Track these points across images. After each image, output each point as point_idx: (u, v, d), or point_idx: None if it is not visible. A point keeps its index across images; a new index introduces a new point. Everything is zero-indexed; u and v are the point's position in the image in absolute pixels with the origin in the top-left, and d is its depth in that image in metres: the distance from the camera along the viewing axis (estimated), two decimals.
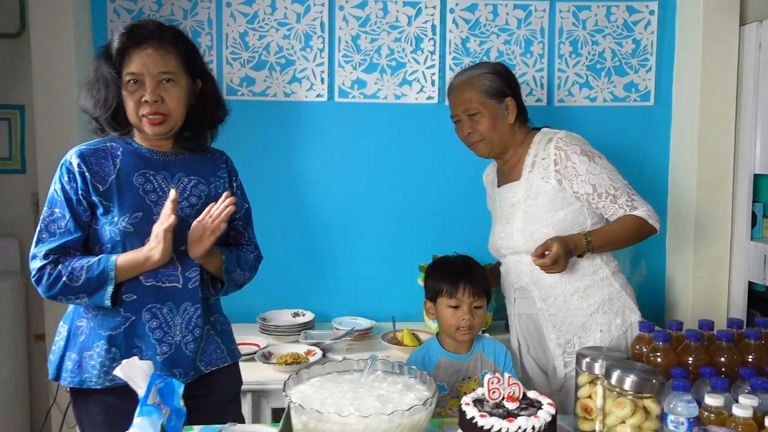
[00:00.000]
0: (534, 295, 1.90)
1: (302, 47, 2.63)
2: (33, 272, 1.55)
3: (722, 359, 1.40)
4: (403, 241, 2.69)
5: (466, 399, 1.37)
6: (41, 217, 1.59)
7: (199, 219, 1.57)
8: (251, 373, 2.16)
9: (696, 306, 2.61)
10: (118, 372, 1.28)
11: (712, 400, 1.23)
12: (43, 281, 1.53)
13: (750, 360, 1.41)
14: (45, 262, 1.53)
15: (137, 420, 1.24)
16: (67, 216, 1.55)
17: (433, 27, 2.65)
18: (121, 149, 1.62)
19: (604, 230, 1.84)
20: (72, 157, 1.58)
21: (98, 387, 1.55)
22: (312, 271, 2.69)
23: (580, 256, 1.81)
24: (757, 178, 2.60)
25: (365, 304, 2.69)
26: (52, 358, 1.64)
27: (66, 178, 1.56)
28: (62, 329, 1.64)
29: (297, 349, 2.30)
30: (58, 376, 1.60)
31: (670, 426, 1.26)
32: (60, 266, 1.53)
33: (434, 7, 2.63)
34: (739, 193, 2.59)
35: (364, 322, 2.55)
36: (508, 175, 1.98)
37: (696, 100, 2.59)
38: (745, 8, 2.60)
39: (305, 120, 2.66)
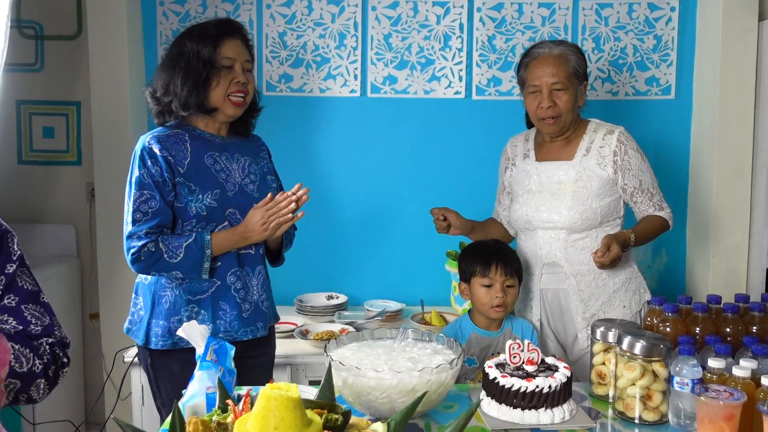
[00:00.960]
0: (566, 270, 2.00)
1: (337, 46, 2.79)
2: (133, 250, 1.70)
3: (727, 329, 1.52)
4: (430, 230, 2.80)
5: (489, 363, 1.52)
6: (131, 200, 1.72)
7: (263, 205, 1.74)
8: (291, 348, 2.34)
9: (715, 291, 2.70)
10: (180, 333, 1.45)
11: (715, 363, 1.35)
12: (144, 259, 1.70)
13: (754, 330, 1.52)
14: (146, 240, 1.69)
15: (198, 373, 1.42)
16: (157, 197, 1.72)
17: (461, 25, 2.78)
18: (187, 134, 1.79)
19: (642, 229, 1.99)
20: (152, 143, 1.74)
21: (189, 347, 1.71)
22: (345, 257, 2.85)
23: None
24: None
25: (395, 288, 2.84)
26: (133, 327, 1.83)
27: (150, 162, 1.72)
28: (139, 301, 1.82)
29: (332, 328, 2.46)
30: (147, 342, 1.78)
31: (676, 387, 1.38)
32: (160, 244, 1.70)
33: (462, 7, 2.77)
34: (757, 183, 2.67)
35: (394, 305, 2.70)
36: (554, 153, 2.06)
37: (716, 94, 2.67)
38: (764, 4, 2.67)
39: (339, 114, 2.82)
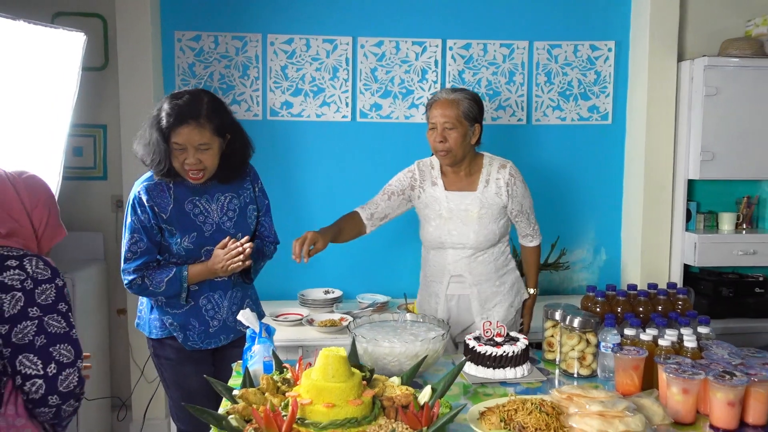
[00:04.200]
0: (469, 281, 2.39)
1: (331, 77, 3.27)
2: (126, 282, 2.11)
3: (640, 309, 2.08)
4: (410, 232, 3.34)
5: (468, 336, 2.04)
6: (125, 242, 2.10)
7: (221, 247, 2.09)
8: (300, 334, 2.82)
9: (643, 284, 3.28)
10: (240, 317, 1.93)
11: (629, 331, 1.90)
12: (134, 288, 2.13)
13: (659, 309, 2.08)
14: (135, 276, 2.10)
15: (256, 347, 1.89)
16: (144, 239, 2.09)
17: (436, 61, 3.30)
18: (172, 182, 2.12)
19: (533, 275, 2.58)
20: (141, 193, 2.09)
21: (168, 336, 2.18)
22: (339, 257, 3.33)
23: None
24: (690, 183, 3.29)
25: (382, 283, 3.34)
26: (141, 322, 2.27)
27: (139, 210, 2.08)
28: (143, 302, 2.26)
29: (332, 317, 2.95)
30: (150, 333, 2.22)
31: (602, 349, 1.93)
32: (146, 279, 2.10)
33: (437, 46, 3.29)
34: (677, 194, 3.28)
35: (381, 297, 3.20)
36: (459, 183, 2.39)
37: (644, 120, 3.26)
38: (682, 48, 3.29)
39: (333, 136, 3.30)
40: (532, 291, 2.56)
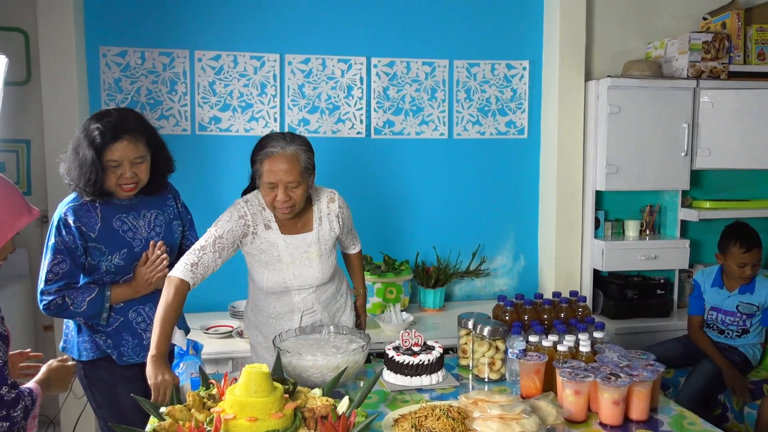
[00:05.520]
0: (319, 309, 2.36)
1: (259, 93, 3.35)
2: (44, 303, 2.08)
3: (545, 316, 2.27)
4: None
5: (388, 346, 2.18)
6: (46, 262, 2.08)
7: (142, 264, 2.16)
8: (231, 346, 2.90)
9: (558, 287, 3.52)
10: (174, 339, 1.99)
11: (533, 338, 2.08)
12: (53, 309, 2.11)
13: (561, 316, 2.28)
14: (54, 297, 2.08)
15: (184, 364, 1.98)
16: (68, 261, 2.08)
17: (361, 78, 3.43)
18: (98, 202, 2.13)
19: (360, 279, 2.63)
20: (68, 214, 2.08)
21: (105, 355, 2.20)
22: None
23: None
24: (598, 193, 3.54)
25: None
26: (67, 346, 2.26)
27: (64, 231, 2.07)
28: (70, 325, 2.26)
29: None
30: (80, 356, 2.22)
31: (510, 355, 2.10)
32: (66, 298, 2.09)
33: (362, 64, 3.42)
34: (586, 204, 3.53)
35: None
36: (296, 227, 2.28)
37: (555, 135, 3.49)
38: (589, 69, 3.54)
39: None
40: (361, 291, 2.63)
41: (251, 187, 2.38)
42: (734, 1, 3.56)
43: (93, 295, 2.12)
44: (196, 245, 2.14)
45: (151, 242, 2.20)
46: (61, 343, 2.31)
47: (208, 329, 3.02)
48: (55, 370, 1.80)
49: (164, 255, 2.19)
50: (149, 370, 1.86)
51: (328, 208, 2.34)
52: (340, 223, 2.36)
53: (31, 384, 1.67)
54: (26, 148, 3.21)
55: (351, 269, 2.67)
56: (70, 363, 1.85)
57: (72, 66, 3.06)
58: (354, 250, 2.62)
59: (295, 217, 2.26)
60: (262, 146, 2.22)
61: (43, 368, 1.79)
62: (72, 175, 2.09)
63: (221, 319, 3.18)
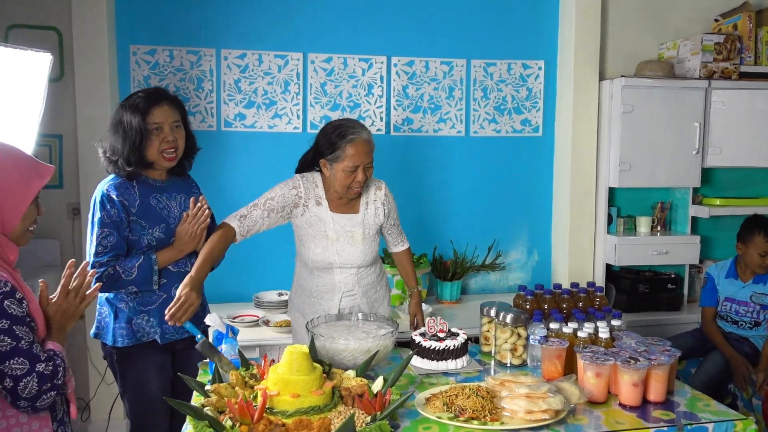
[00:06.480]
0: (358, 294, 2.48)
1: (282, 91, 3.46)
2: (96, 276, 2.09)
3: (564, 305, 2.37)
4: None
5: (415, 333, 2.28)
6: (94, 236, 2.16)
7: (184, 221, 2.26)
8: (257, 335, 3.00)
9: (571, 281, 3.60)
10: (208, 320, 2.10)
11: (554, 325, 2.18)
12: (105, 281, 2.17)
13: (579, 305, 2.38)
14: (105, 268, 2.15)
15: (224, 346, 2.07)
16: (115, 234, 2.18)
17: (381, 77, 3.53)
18: (135, 181, 2.25)
19: (412, 272, 2.69)
20: (110, 190, 2.19)
21: (140, 342, 2.26)
22: (289, 262, 3.52)
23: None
24: (611, 190, 3.64)
25: None
26: (101, 332, 2.32)
27: (108, 206, 2.17)
28: (104, 311, 2.33)
29: (287, 318, 3.14)
30: (114, 342, 2.29)
31: (531, 341, 2.20)
32: (117, 267, 2.18)
33: (382, 63, 3.52)
34: (599, 200, 3.62)
35: None
36: (344, 207, 2.44)
37: (570, 133, 3.59)
38: (603, 68, 3.64)
39: (285, 146, 3.48)
40: (415, 289, 2.69)
41: (301, 169, 2.53)
42: (746, 3, 3.65)
43: (140, 260, 2.20)
44: (248, 204, 2.36)
45: (192, 198, 2.32)
46: (93, 329, 2.37)
47: (234, 318, 3.13)
48: (63, 312, 1.78)
49: (206, 206, 2.30)
50: (183, 283, 2.04)
51: (375, 195, 2.50)
52: (385, 212, 2.50)
53: (51, 345, 1.66)
54: (59, 143, 3.32)
55: (402, 268, 2.72)
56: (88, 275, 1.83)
57: (104, 64, 3.17)
58: (402, 247, 2.68)
59: (341, 197, 2.42)
60: (342, 134, 2.33)
61: (51, 313, 1.77)
62: (115, 147, 2.20)
63: (246, 309, 3.28)
